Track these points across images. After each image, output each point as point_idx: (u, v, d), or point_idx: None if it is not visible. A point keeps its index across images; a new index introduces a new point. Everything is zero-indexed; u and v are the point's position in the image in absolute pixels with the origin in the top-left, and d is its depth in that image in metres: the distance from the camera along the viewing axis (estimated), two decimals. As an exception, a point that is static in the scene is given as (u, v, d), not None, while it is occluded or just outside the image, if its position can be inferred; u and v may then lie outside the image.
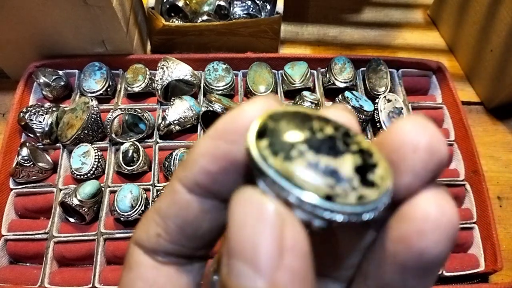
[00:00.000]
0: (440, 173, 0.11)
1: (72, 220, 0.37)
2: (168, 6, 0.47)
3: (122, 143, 0.39)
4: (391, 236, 0.11)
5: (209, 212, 0.13)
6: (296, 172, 0.10)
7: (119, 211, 0.36)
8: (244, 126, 0.11)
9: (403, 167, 0.11)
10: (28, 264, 0.37)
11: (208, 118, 0.41)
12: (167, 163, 0.39)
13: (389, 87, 0.44)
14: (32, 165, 0.38)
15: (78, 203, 0.35)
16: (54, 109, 0.41)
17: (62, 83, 0.42)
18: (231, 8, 0.47)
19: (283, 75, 0.44)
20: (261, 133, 0.11)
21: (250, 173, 0.11)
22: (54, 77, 0.42)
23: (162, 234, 0.13)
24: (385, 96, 0.42)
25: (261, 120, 0.11)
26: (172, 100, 0.41)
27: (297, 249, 0.10)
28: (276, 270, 0.10)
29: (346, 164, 0.10)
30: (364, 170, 0.10)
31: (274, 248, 0.10)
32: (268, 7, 0.48)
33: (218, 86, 0.43)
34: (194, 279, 0.14)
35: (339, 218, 0.10)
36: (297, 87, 0.43)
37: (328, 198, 0.10)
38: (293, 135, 0.10)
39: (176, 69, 0.41)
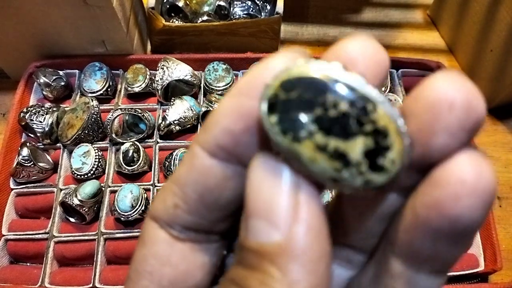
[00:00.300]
0: (477, 133, 0.10)
1: (72, 220, 0.37)
2: (168, 6, 0.47)
3: (123, 143, 0.39)
4: (423, 202, 0.10)
5: (232, 178, 0.12)
6: (303, 155, 0.10)
7: (119, 211, 0.36)
8: (268, 79, 0.11)
9: (437, 127, 0.10)
10: (28, 264, 0.37)
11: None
12: (167, 163, 0.39)
13: (388, 87, 0.44)
14: (32, 165, 0.38)
15: (78, 203, 0.35)
16: (54, 109, 0.41)
17: (63, 83, 0.42)
18: (231, 8, 0.47)
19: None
20: (272, 106, 0.10)
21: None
22: (54, 77, 0.42)
23: (180, 204, 0.13)
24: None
25: (273, 89, 0.10)
26: (172, 100, 0.41)
27: (311, 204, 0.10)
28: (292, 223, 0.10)
29: (356, 147, 0.10)
30: (375, 153, 0.10)
31: (289, 203, 0.10)
32: (268, 7, 0.48)
33: (218, 86, 0.43)
34: (210, 260, 0.13)
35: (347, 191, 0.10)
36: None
37: (335, 181, 0.10)
38: (304, 112, 0.10)
39: (176, 69, 0.41)
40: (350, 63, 0.11)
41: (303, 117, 0.10)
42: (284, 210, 0.10)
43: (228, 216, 0.13)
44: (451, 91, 0.10)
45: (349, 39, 0.11)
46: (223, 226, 0.13)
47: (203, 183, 0.12)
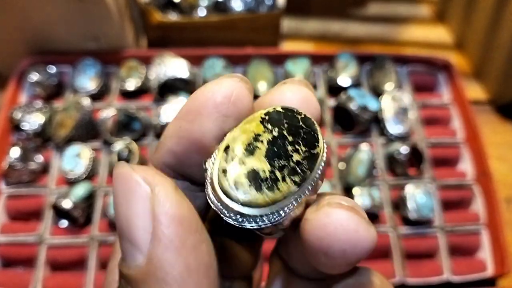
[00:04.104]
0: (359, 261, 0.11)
1: (64, 223, 0.36)
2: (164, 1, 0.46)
3: (116, 143, 0.38)
4: None
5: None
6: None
7: (113, 214, 0.34)
8: (203, 105, 0.12)
9: (316, 263, 0.11)
10: (20, 268, 0.36)
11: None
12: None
13: (395, 85, 0.42)
14: (23, 166, 0.36)
15: (70, 205, 0.34)
16: (46, 108, 0.39)
17: (55, 82, 0.41)
18: (230, 3, 0.46)
19: (285, 72, 0.43)
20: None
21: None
22: (46, 76, 0.41)
23: None
24: (390, 95, 0.41)
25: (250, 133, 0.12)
26: (168, 98, 0.40)
27: (170, 216, 0.10)
28: (152, 243, 0.09)
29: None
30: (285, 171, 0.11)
31: (145, 220, 0.10)
32: (269, 1, 0.46)
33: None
34: None
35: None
36: (298, 85, 0.42)
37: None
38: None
39: (172, 65, 0.40)
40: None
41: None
42: (141, 229, 0.10)
43: None
44: (325, 242, 0.10)
45: (286, 85, 0.13)
46: None
47: None
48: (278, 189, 0.11)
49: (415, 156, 0.39)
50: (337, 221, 0.10)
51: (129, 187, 0.10)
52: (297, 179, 0.11)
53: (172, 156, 0.12)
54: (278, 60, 0.43)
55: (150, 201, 0.10)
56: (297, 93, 0.12)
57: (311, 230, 0.11)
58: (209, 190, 0.11)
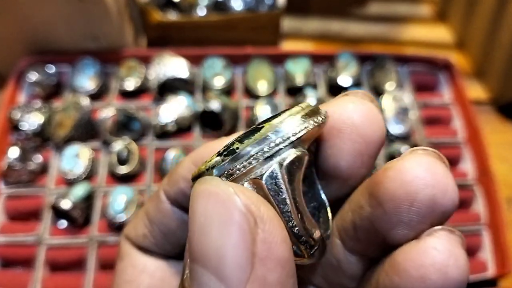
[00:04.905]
0: (447, 219, 0.10)
1: (64, 223, 0.36)
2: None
3: (116, 143, 0.38)
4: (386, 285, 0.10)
5: None
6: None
7: (112, 214, 0.34)
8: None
9: (396, 220, 0.09)
10: (20, 268, 0.36)
11: (207, 117, 0.39)
12: (163, 164, 0.37)
13: (395, 85, 0.42)
14: (22, 166, 0.36)
15: (70, 206, 0.34)
16: (45, 108, 0.39)
17: (54, 81, 0.41)
18: (230, 2, 0.45)
19: (285, 71, 0.43)
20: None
21: None
22: (45, 75, 0.41)
23: (148, 236, 0.14)
24: (391, 94, 0.41)
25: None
26: (168, 98, 0.40)
27: (272, 256, 0.08)
28: (246, 283, 0.08)
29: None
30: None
31: (243, 256, 0.08)
32: (269, 0, 0.46)
33: (217, 83, 0.41)
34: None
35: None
36: (299, 85, 0.41)
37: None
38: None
39: (172, 65, 0.40)
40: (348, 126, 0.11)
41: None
42: (237, 265, 0.08)
43: None
44: (414, 186, 0.09)
45: (348, 98, 0.11)
46: None
47: (166, 224, 0.14)
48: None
49: (416, 156, 0.39)
50: (426, 164, 0.09)
51: (228, 213, 0.08)
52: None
53: (184, 196, 0.13)
54: (278, 59, 0.43)
55: (251, 235, 0.08)
56: (360, 108, 0.11)
57: (396, 175, 0.09)
58: None
